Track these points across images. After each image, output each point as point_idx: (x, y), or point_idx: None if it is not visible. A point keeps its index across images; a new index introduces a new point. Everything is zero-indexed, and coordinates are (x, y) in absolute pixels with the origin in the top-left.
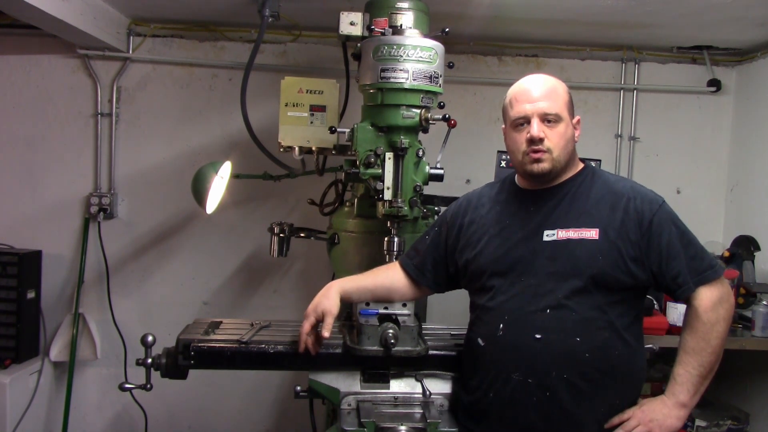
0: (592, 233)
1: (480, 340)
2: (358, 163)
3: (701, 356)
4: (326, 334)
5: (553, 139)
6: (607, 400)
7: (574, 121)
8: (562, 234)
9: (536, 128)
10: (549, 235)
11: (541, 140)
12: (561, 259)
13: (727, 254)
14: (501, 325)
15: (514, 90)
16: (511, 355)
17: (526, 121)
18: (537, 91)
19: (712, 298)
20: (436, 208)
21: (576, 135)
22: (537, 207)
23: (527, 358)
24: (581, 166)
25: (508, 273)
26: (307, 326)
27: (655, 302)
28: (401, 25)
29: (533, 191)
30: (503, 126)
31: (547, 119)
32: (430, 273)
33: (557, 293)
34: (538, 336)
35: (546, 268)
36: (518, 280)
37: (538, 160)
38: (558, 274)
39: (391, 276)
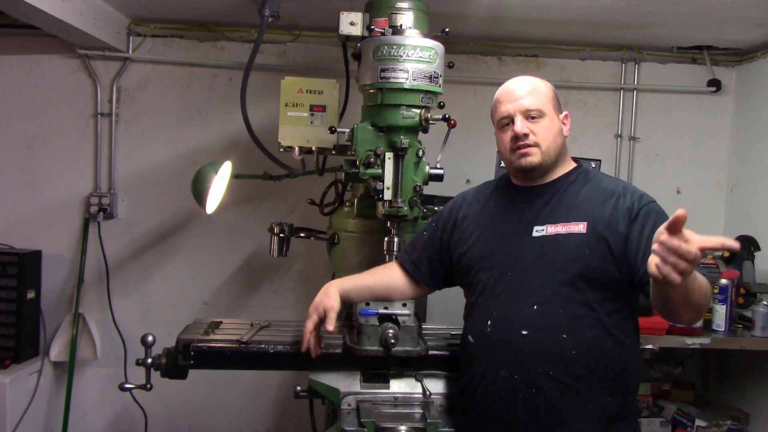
0: (580, 227)
1: (470, 337)
2: (358, 163)
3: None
4: (330, 327)
5: (540, 133)
6: (597, 397)
7: (562, 116)
8: (551, 229)
9: (519, 125)
10: (538, 231)
11: (525, 135)
12: (549, 254)
13: (727, 254)
14: (489, 322)
15: (498, 92)
16: (498, 351)
17: (510, 120)
18: (519, 90)
19: None
20: (436, 208)
21: (565, 130)
22: (528, 203)
23: (514, 355)
24: (573, 165)
25: (496, 268)
26: (310, 325)
27: None
28: (401, 25)
29: (525, 188)
30: (494, 130)
31: (530, 116)
32: (426, 269)
33: (545, 289)
34: (524, 332)
35: (534, 264)
36: (506, 276)
37: (526, 154)
38: (546, 269)
39: (389, 274)
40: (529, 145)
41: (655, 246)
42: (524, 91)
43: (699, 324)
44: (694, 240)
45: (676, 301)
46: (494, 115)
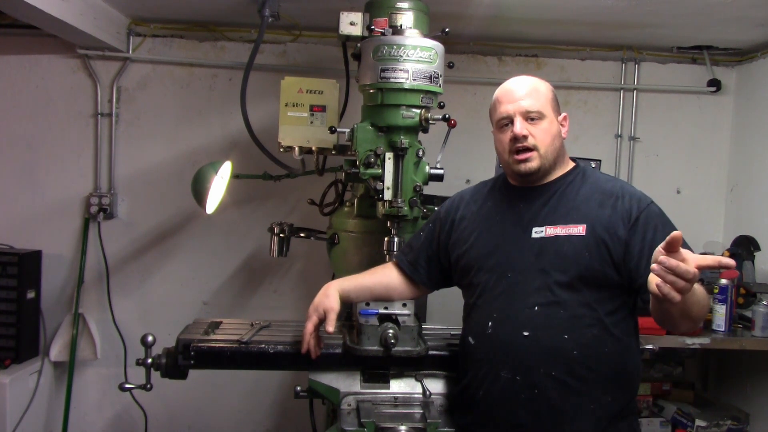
0: (580, 229)
1: (470, 338)
2: (358, 163)
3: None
4: (330, 329)
5: (538, 136)
6: (598, 397)
7: (561, 117)
8: (551, 231)
9: (519, 126)
10: (537, 232)
11: (525, 137)
12: (548, 255)
13: (727, 254)
14: (490, 323)
15: (497, 92)
16: (500, 352)
17: (509, 120)
18: (518, 91)
19: None
20: (435, 208)
21: (564, 131)
22: (527, 204)
23: (515, 356)
24: (572, 165)
25: (495, 269)
26: (310, 326)
27: None
28: (401, 25)
29: (524, 188)
30: (492, 129)
31: (529, 117)
32: (424, 269)
33: (545, 290)
34: (526, 333)
35: (534, 265)
36: (506, 277)
37: (525, 160)
38: (546, 271)
39: (388, 274)
40: (528, 149)
41: (654, 266)
42: (524, 91)
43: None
44: (692, 259)
45: (674, 315)
46: (493, 115)
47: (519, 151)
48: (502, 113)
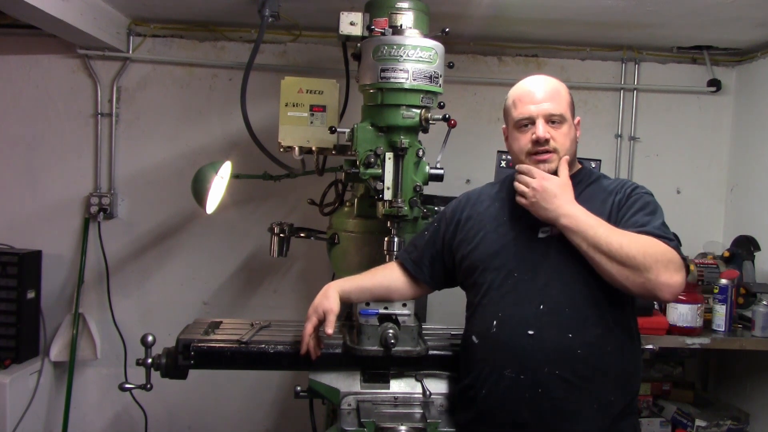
0: None
1: (474, 338)
2: (358, 163)
3: (614, 235)
4: (330, 331)
5: (559, 140)
6: (602, 396)
7: (575, 121)
8: (556, 230)
9: (541, 129)
10: (544, 232)
11: (546, 141)
12: (555, 255)
13: (727, 254)
14: (494, 322)
15: (517, 91)
16: (504, 351)
17: (530, 122)
18: (541, 92)
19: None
20: (436, 208)
21: (577, 135)
22: None
23: (519, 355)
24: (579, 167)
25: (501, 269)
26: (309, 327)
27: (654, 302)
28: (401, 25)
29: None
30: (504, 126)
31: (551, 120)
32: (427, 268)
33: (550, 290)
34: (530, 332)
35: (540, 265)
36: (511, 277)
37: (544, 161)
38: (551, 270)
39: (389, 274)
40: (548, 152)
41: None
42: (547, 94)
43: (699, 324)
44: None
45: (589, 253)
46: (511, 113)
47: (539, 152)
48: (524, 114)
